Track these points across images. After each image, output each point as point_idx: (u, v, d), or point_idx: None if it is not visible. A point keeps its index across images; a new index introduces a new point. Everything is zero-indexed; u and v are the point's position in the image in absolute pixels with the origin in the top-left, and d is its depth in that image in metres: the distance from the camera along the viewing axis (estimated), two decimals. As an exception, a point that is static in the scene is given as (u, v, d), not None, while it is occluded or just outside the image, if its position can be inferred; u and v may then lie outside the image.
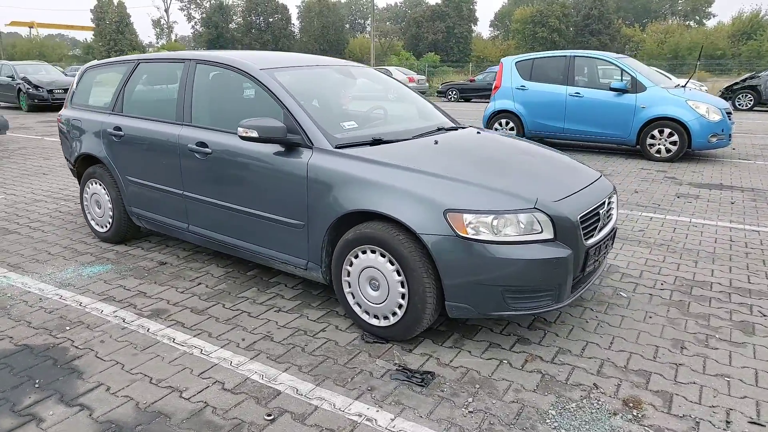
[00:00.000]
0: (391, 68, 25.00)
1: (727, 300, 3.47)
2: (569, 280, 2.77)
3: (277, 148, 3.15)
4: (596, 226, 2.95)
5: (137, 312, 3.20)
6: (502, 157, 3.17)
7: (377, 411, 2.33)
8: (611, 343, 2.94)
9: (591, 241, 2.88)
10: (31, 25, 59.58)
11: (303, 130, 3.08)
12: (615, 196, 3.31)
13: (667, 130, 8.22)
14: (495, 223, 2.61)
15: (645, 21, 63.97)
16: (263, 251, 3.36)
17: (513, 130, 9.58)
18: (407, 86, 4.42)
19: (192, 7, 66.52)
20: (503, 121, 9.70)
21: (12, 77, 16.58)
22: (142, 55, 4.17)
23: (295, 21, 69.19)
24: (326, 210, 2.96)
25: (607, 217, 3.16)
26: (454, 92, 23.27)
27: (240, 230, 3.44)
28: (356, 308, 2.99)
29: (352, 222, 2.96)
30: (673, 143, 8.22)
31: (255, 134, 2.99)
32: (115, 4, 58.32)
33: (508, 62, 9.70)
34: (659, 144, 8.34)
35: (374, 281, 2.87)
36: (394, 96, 4.18)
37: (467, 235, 2.59)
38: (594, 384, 2.55)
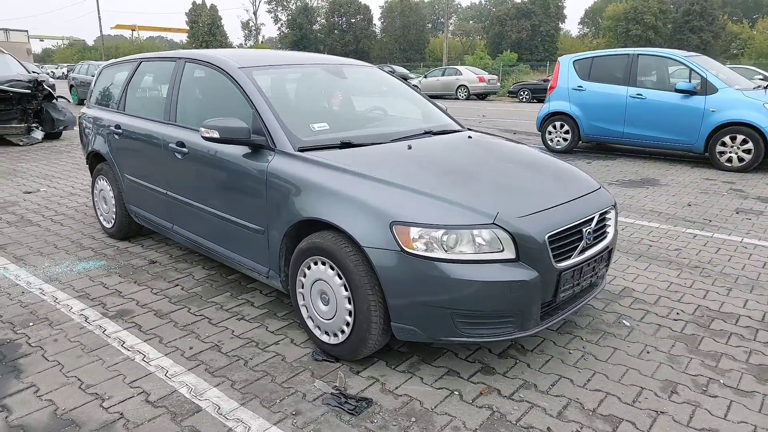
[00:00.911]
0: (460, 68, 24.52)
1: (750, 338, 2.96)
2: (535, 306, 2.45)
3: (246, 150, 3.03)
4: (576, 246, 2.59)
5: (103, 311, 3.20)
6: (478, 166, 2.86)
7: (290, 439, 2.14)
8: (588, 380, 2.57)
9: (567, 262, 2.53)
10: (133, 28, 64.17)
11: (268, 131, 2.94)
12: (613, 211, 2.92)
13: (740, 137, 7.38)
14: (446, 238, 2.34)
15: (755, 16, 58.79)
16: (232, 256, 3.26)
17: (568, 133, 9.00)
18: (411, 86, 4.16)
19: (279, 9, 68.87)
20: (557, 123, 9.14)
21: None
22: (144, 54, 4.22)
23: (376, 21, 69.89)
24: (282, 216, 2.80)
25: (599, 236, 2.79)
26: (526, 93, 22.43)
27: (213, 233, 3.36)
28: (309, 322, 2.81)
29: (310, 230, 2.79)
30: (747, 151, 7.36)
31: (216, 135, 2.89)
32: (208, 7, 61.53)
33: (566, 61, 9.12)
34: (731, 152, 7.50)
35: (324, 295, 2.68)
36: (390, 96, 3.95)
37: (413, 250, 2.34)
38: (547, 428, 2.22)
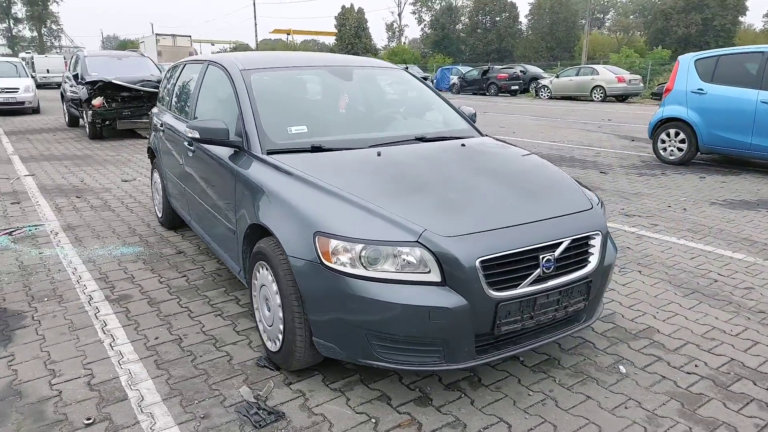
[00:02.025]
0: (597, 66, 22.84)
1: (774, 408, 2.39)
2: (464, 337, 2.21)
3: (232, 150, 3.11)
4: (528, 274, 2.28)
5: (107, 294, 3.49)
6: (440, 179, 2.63)
7: (181, 442, 2.16)
8: (530, 429, 2.25)
9: (510, 292, 2.24)
10: (288, 32, 69.05)
11: (245, 132, 2.99)
12: (599, 237, 2.52)
13: None
14: (365, 253, 2.19)
15: None
16: (219, 252, 3.38)
17: (684, 142, 7.97)
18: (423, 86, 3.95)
19: (423, 9, 69.71)
20: (672, 131, 8.13)
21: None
22: (189, 58, 4.51)
23: (522, 19, 67.74)
24: (242, 218, 2.84)
25: (574, 264, 2.43)
26: (672, 95, 20.24)
27: (208, 228, 3.51)
28: (260, 326, 2.81)
29: (262, 234, 2.78)
30: None
31: (197, 135, 3.00)
32: (356, 10, 64.21)
33: (686, 60, 8.07)
34: None
35: (268, 301, 2.66)
36: (401, 98, 3.80)
37: (331, 264, 2.23)
38: (446, 477, 1.99)
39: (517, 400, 2.44)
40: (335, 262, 2.22)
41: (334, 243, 2.23)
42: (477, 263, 2.16)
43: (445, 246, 2.17)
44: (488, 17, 66.36)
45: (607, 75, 21.74)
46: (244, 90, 3.18)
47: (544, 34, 64.08)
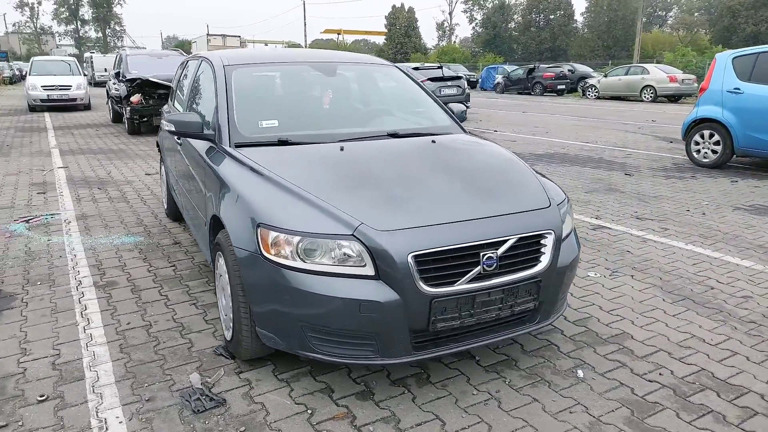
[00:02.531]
0: (648, 65, 21.97)
1: (736, 422, 2.26)
2: (397, 332, 2.21)
3: (209, 144, 3.21)
4: (468, 271, 2.25)
5: (96, 281, 3.66)
6: (395, 174, 2.63)
7: (119, 422, 2.25)
8: (464, 428, 2.22)
9: (446, 289, 2.22)
10: (338, 32, 69.86)
11: (218, 125, 3.08)
12: (550, 236, 2.46)
13: None
14: (302, 246, 2.23)
15: None
16: (200, 243, 3.48)
17: (718, 144, 7.59)
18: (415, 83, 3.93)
19: (474, 8, 68.99)
20: (706, 132, 7.76)
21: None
22: (191, 55, 4.66)
23: (578, 17, 66.04)
24: (210, 209, 2.92)
25: (523, 263, 2.38)
26: (728, 95, 19.26)
27: (192, 221, 3.63)
28: (222, 315, 2.89)
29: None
30: None
31: (172, 128, 3.12)
32: (406, 9, 64.27)
33: (724, 58, 7.68)
34: None
35: (224, 289, 2.73)
36: (384, 94, 3.80)
37: (269, 255, 2.28)
38: (362, 470, 1.99)
39: (459, 399, 2.41)
40: (274, 254, 2.27)
41: (273, 235, 2.27)
42: (409, 258, 2.16)
43: (378, 240, 2.17)
44: (542, 15, 65.04)
45: (659, 74, 20.89)
46: (223, 84, 3.27)
47: (601, 32, 62.24)
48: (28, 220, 5.04)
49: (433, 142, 3.11)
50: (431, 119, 3.57)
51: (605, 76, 23.14)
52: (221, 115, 3.10)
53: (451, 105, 3.78)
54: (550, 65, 28.28)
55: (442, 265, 2.22)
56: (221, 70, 3.39)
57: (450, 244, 2.22)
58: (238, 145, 2.93)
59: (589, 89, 23.39)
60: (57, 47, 74.65)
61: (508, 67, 30.18)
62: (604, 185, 6.64)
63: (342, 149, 2.87)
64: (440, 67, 14.47)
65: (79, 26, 73.42)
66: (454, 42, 71.12)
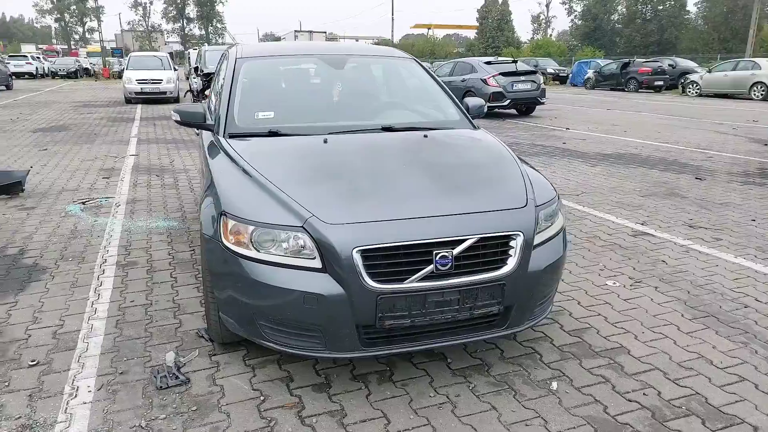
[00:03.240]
0: (761, 60, 20.03)
1: (702, 451, 2.06)
2: (342, 326, 2.22)
3: (211, 134, 3.35)
4: (419, 269, 2.21)
5: (119, 260, 3.94)
6: (366, 168, 2.63)
7: (89, 391, 2.43)
8: (407, 429, 2.19)
9: (394, 286, 2.19)
10: (428, 27, 69.73)
11: (218, 116, 3.22)
12: (519, 238, 2.34)
13: None
14: (255, 235, 2.29)
15: None
16: None
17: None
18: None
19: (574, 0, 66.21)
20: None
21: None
22: (227, 46, 4.87)
23: (690, 7, 61.53)
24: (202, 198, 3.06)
25: (482, 264, 2.30)
26: None
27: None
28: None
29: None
30: None
31: (177, 117, 3.29)
32: (499, 2, 62.91)
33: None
34: None
35: (205, 275, 2.85)
36: (394, 88, 3.77)
37: (228, 243, 2.36)
38: (289, 460, 2.03)
39: (414, 400, 2.38)
40: (233, 242, 2.34)
41: (231, 223, 2.35)
42: (354, 252, 2.15)
43: (325, 233, 2.19)
44: (649, 6, 61.24)
45: (772, 69, 19.02)
46: (231, 75, 3.41)
47: (718, 23, 57.63)
48: (85, 202, 5.51)
49: (425, 136, 3.06)
50: (439, 113, 3.52)
51: (709, 71, 21.41)
52: (222, 105, 3.23)
53: (468, 99, 3.69)
54: (648, 59, 26.60)
55: (390, 261, 2.19)
56: (233, 62, 3.53)
57: (399, 241, 2.19)
58: (232, 136, 3.04)
59: (690, 86, 21.76)
60: (165, 44, 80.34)
61: (602, 62, 28.68)
62: (666, 189, 6.18)
63: (326, 141, 2.90)
64: (515, 62, 14.05)
65: (185, 24, 78.65)
66: (551, 35, 68.69)
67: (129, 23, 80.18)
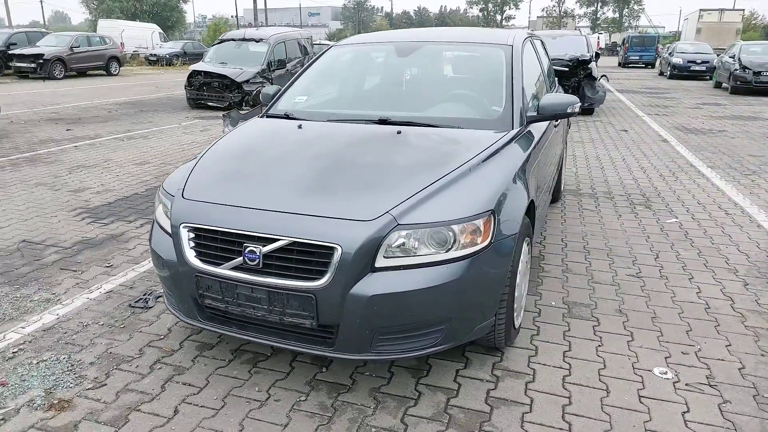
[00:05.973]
0: None
1: None
2: (180, 291, 2.48)
3: None
4: (231, 258, 2.29)
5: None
6: (297, 157, 2.71)
7: (99, 290, 3.33)
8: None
9: (210, 268, 2.32)
10: None
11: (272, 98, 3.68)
12: (337, 252, 2.12)
13: None
14: (160, 208, 2.69)
15: None
16: None
17: None
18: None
19: None
20: None
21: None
22: None
23: None
24: None
25: (294, 270, 2.21)
26: None
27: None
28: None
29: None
30: None
31: (260, 98, 3.90)
32: None
33: None
34: None
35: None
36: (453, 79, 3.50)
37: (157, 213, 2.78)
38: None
39: (362, 384, 2.50)
40: (159, 212, 2.73)
41: (159, 197, 2.78)
42: (181, 227, 2.39)
43: (173, 205, 2.50)
44: None
45: None
46: (309, 63, 3.83)
47: None
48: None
49: (399, 133, 2.87)
50: (477, 111, 3.21)
51: None
52: (282, 89, 3.67)
53: (547, 97, 3.19)
54: None
55: (210, 244, 2.33)
56: (324, 50, 3.91)
57: (217, 226, 2.30)
58: (267, 116, 3.46)
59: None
60: (575, 29, 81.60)
61: None
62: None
63: (300, 127, 3.06)
64: None
65: (598, 8, 77.83)
66: None
67: (543, 9, 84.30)
